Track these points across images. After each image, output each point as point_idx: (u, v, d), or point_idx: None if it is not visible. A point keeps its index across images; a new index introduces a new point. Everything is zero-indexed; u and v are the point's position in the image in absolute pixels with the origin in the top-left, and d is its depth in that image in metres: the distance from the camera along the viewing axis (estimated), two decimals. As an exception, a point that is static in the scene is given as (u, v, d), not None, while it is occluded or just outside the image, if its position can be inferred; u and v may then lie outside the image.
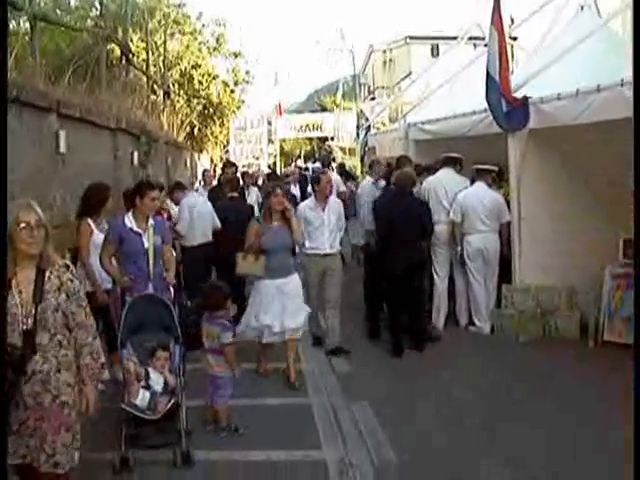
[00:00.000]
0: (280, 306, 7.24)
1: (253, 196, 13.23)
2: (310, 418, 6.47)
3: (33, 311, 3.85)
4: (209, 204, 9.93)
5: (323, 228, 8.17)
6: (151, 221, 6.56)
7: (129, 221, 6.50)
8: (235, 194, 10.15)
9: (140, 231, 6.47)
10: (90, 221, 7.05)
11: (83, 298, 4.11)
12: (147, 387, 5.45)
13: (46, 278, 3.92)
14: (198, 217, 9.51)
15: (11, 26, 11.28)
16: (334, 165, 21.02)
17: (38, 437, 3.92)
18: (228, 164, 12.81)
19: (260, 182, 16.07)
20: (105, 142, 10.54)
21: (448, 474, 5.35)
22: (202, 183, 14.52)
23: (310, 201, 8.49)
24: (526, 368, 7.81)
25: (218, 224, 9.59)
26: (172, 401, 5.43)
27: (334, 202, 8.47)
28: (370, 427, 6.20)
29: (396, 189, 8.73)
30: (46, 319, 3.88)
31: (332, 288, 8.26)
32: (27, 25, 10.59)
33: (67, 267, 4.05)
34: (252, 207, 10.62)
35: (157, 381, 5.49)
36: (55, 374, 3.93)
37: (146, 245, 6.45)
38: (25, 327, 3.83)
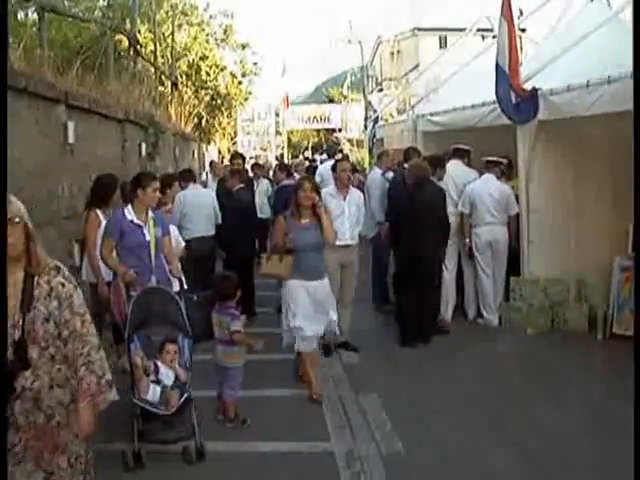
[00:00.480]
0: (310, 310, 6.66)
1: (263, 188, 13.21)
2: (318, 409, 6.48)
3: (20, 321, 3.42)
4: (210, 196, 9.87)
5: (343, 218, 7.80)
6: (151, 213, 6.48)
7: (129, 214, 6.38)
8: (240, 186, 10.10)
9: (141, 223, 6.37)
10: (99, 212, 7.06)
11: (79, 304, 3.60)
12: (157, 382, 5.42)
13: (35, 283, 3.49)
14: (192, 209, 9.33)
15: (19, 17, 11.30)
16: (339, 156, 20.95)
17: (31, 458, 3.49)
18: (236, 155, 12.79)
19: (271, 173, 15.94)
20: (113, 133, 10.54)
21: (455, 466, 5.35)
22: (211, 175, 14.53)
23: (331, 188, 8.09)
24: (534, 361, 7.80)
25: (218, 218, 9.55)
26: (185, 395, 5.42)
27: (355, 193, 8.20)
28: (378, 419, 6.20)
29: (411, 181, 8.65)
30: (35, 330, 3.45)
31: (348, 285, 8.01)
32: (35, 16, 10.61)
33: (58, 269, 3.60)
34: (253, 200, 10.55)
35: (167, 375, 5.47)
36: (48, 392, 3.50)
37: (147, 237, 6.36)
38: (12, 339, 3.39)
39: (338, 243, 7.40)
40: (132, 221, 6.35)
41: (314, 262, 6.69)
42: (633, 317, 7.95)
